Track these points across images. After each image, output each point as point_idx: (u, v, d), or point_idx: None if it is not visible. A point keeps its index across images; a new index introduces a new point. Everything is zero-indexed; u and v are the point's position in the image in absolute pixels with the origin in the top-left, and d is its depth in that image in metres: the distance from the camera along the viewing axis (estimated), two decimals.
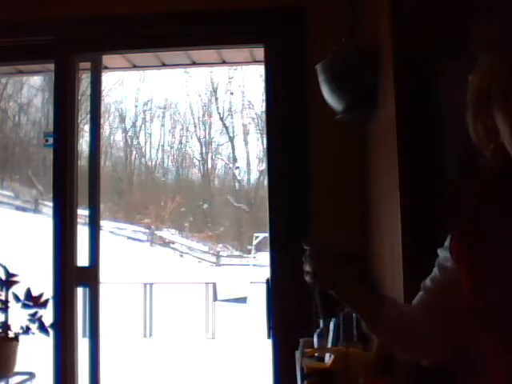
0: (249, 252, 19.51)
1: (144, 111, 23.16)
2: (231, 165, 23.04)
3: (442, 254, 1.13)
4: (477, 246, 1.01)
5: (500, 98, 0.92)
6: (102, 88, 2.89)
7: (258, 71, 16.61)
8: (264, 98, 2.67)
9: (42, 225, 11.27)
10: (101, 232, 2.68)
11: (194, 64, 3.15)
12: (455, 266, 1.06)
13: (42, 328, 2.50)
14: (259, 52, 2.75)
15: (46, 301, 2.54)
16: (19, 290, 2.55)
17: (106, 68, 3.06)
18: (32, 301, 2.53)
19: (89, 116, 2.65)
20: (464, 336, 1.08)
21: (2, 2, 2.60)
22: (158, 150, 23.61)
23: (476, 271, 0.99)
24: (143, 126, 23.45)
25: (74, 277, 2.56)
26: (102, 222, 2.86)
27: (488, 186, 1.03)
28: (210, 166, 23.39)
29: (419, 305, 1.18)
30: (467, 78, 0.99)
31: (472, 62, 0.98)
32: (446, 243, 1.11)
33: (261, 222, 18.87)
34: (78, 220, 2.66)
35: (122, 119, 23.12)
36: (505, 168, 0.98)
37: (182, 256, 19.37)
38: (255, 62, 3.04)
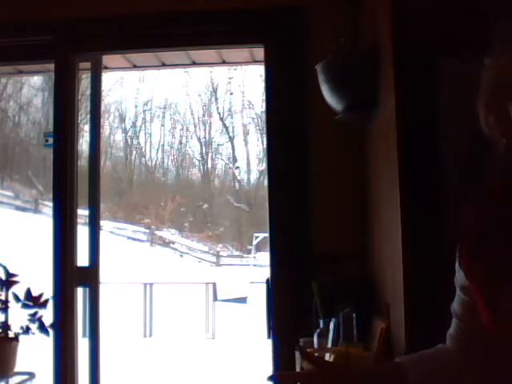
0: (249, 252, 19.51)
1: (144, 111, 23.18)
2: (231, 165, 23.04)
3: (459, 272, 1.05)
4: (488, 258, 0.94)
5: None
6: (102, 88, 2.89)
7: (258, 71, 16.63)
8: (264, 97, 2.67)
9: (42, 225, 11.28)
10: (101, 232, 2.68)
11: (193, 64, 3.15)
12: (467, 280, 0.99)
13: (42, 328, 2.50)
14: (259, 52, 2.75)
15: (46, 301, 2.53)
16: (19, 290, 2.55)
17: (106, 68, 3.06)
18: (32, 301, 2.52)
19: (89, 116, 2.65)
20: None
21: (2, 3, 2.60)
22: (158, 150, 23.64)
23: (488, 285, 0.93)
24: (143, 126, 23.47)
25: (74, 277, 2.56)
26: (102, 222, 2.86)
27: (499, 189, 0.96)
28: (210, 165, 23.41)
29: (459, 335, 1.08)
30: (482, 62, 0.94)
31: (488, 46, 0.92)
32: (457, 260, 1.04)
33: (261, 221, 18.86)
34: (78, 220, 2.66)
35: (122, 119, 23.14)
36: None
37: (181, 256, 19.37)
38: (255, 62, 3.04)
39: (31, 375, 2.57)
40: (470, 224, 1.00)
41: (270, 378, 1.08)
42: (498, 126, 0.92)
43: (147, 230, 20.02)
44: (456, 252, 1.04)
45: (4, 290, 2.52)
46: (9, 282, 2.53)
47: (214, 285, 10.22)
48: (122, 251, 15.63)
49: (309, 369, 1.13)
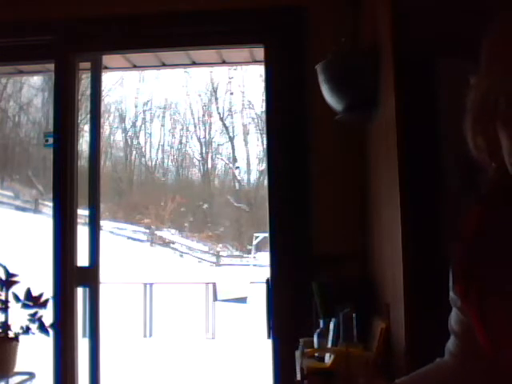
0: (249, 252, 19.52)
1: (144, 111, 23.17)
2: (231, 165, 23.04)
3: (453, 292, 1.04)
4: (483, 282, 0.92)
5: (509, 111, 0.81)
6: (102, 88, 2.89)
7: (258, 71, 16.61)
8: (264, 97, 2.67)
9: (42, 225, 11.28)
10: (101, 232, 2.68)
11: (193, 64, 3.15)
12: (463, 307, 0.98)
13: (42, 328, 2.50)
14: (259, 52, 2.75)
15: (46, 301, 2.53)
16: (19, 290, 2.55)
17: (106, 68, 3.06)
18: (32, 301, 2.53)
19: (89, 116, 2.65)
20: None
21: (2, 3, 2.60)
22: (157, 150, 23.64)
23: (484, 309, 0.91)
24: (143, 126, 23.47)
25: (74, 277, 2.56)
26: (102, 222, 2.86)
27: (488, 215, 0.93)
28: (210, 166, 23.41)
29: (457, 353, 1.07)
30: (468, 79, 0.93)
31: (476, 61, 0.88)
32: (451, 282, 1.02)
33: (261, 221, 18.86)
34: (78, 220, 2.66)
35: (122, 119, 23.13)
36: (508, 190, 0.88)
37: (181, 256, 19.37)
38: (255, 62, 3.04)
39: (31, 375, 2.58)
40: (462, 248, 0.98)
41: None
42: (488, 147, 0.89)
43: (147, 230, 20.02)
44: (449, 272, 1.02)
45: (4, 289, 2.52)
46: (9, 281, 2.53)
47: (214, 285, 10.22)
48: (122, 251, 15.63)
49: None
